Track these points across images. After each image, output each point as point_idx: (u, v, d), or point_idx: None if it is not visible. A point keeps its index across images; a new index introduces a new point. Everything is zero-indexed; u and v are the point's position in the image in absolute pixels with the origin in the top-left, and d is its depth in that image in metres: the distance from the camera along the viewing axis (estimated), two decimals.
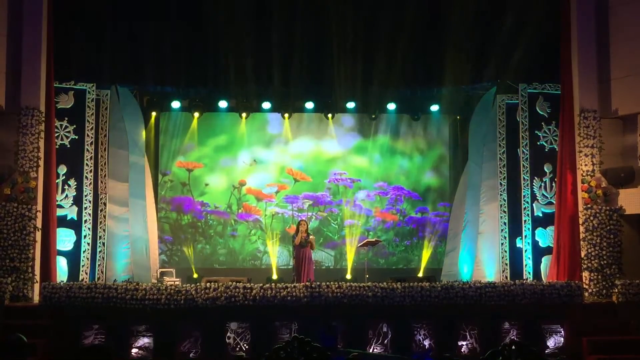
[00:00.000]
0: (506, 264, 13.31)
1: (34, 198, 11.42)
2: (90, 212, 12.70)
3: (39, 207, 11.49)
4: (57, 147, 12.19)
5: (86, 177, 12.68)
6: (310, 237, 12.90)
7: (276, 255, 14.73)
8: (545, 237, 12.82)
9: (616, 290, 11.24)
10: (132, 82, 13.41)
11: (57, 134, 12.31)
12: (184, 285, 10.72)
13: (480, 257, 13.72)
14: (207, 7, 12.48)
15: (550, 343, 10.59)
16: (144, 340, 10.24)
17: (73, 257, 12.44)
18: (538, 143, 12.98)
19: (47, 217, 11.62)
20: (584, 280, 11.54)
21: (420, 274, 14.41)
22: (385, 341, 10.44)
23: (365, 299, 10.44)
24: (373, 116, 14.74)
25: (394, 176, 15.17)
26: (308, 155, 15.13)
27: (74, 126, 12.63)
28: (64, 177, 12.50)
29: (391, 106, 14.63)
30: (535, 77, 12.98)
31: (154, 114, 14.51)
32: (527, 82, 13.02)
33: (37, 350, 9.41)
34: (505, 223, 13.43)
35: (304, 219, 13.19)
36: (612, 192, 11.93)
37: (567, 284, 10.93)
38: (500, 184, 13.52)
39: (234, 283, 10.59)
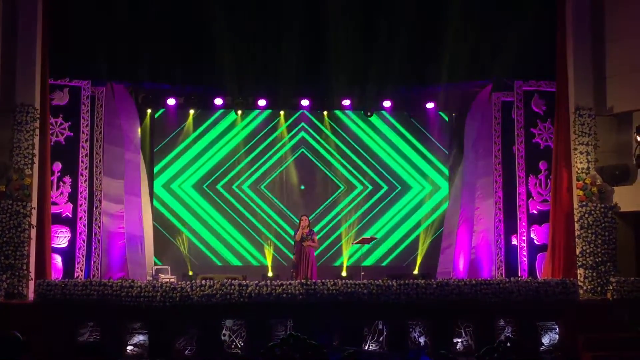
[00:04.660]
0: (501, 261, 13.33)
1: (29, 195, 11.38)
2: (86, 209, 12.66)
3: (34, 204, 11.44)
4: (52, 144, 12.13)
5: (81, 174, 12.63)
6: (313, 233, 12.87)
7: (272, 252, 14.77)
8: (541, 234, 12.83)
9: (611, 288, 11.28)
10: (127, 79, 13.38)
11: (52, 131, 12.26)
12: (179, 283, 10.72)
13: (476, 255, 13.74)
14: (203, 3, 12.45)
15: (545, 340, 10.60)
16: (139, 338, 10.22)
17: (68, 254, 12.39)
18: (533, 140, 12.98)
19: (42, 214, 11.58)
20: (578, 278, 11.55)
21: (415, 271, 14.44)
22: (381, 338, 10.45)
23: (361, 296, 10.44)
24: (368, 113, 14.73)
25: None
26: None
27: (69, 123, 12.57)
28: (59, 174, 12.46)
29: (387, 103, 14.65)
30: (530, 74, 12.97)
31: (149, 111, 14.51)
32: (523, 80, 13.02)
33: (32, 347, 9.35)
34: (500, 220, 13.43)
35: (305, 214, 13.16)
36: (607, 189, 11.95)
37: (562, 282, 10.95)
38: (496, 181, 13.53)
39: (229, 280, 10.59)
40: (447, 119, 15.24)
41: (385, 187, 15.11)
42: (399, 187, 15.14)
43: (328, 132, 15.08)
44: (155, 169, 14.74)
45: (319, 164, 15.12)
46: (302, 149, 15.12)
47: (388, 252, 15.06)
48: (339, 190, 15.06)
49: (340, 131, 15.15)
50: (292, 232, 13.49)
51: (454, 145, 14.97)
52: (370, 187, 15.11)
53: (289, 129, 15.07)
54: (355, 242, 13.47)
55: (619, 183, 11.95)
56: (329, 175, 15.09)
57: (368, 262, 14.70)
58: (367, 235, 14.09)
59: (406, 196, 15.14)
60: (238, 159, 14.93)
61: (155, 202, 14.59)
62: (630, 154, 11.85)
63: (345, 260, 14.66)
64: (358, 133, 15.18)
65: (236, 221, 14.87)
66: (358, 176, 15.11)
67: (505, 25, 12.45)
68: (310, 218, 13.60)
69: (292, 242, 13.18)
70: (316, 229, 14.19)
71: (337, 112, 15.07)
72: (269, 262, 14.61)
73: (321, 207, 14.98)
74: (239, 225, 14.87)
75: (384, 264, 14.94)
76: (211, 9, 12.42)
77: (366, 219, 15.01)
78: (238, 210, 14.90)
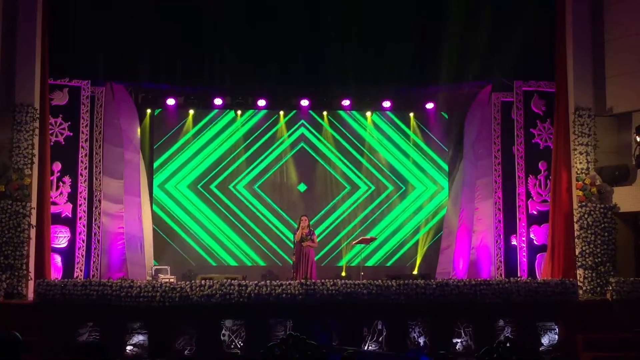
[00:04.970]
0: (501, 262, 13.33)
1: (29, 195, 11.38)
2: (85, 209, 12.66)
3: (34, 204, 11.45)
4: (51, 144, 12.14)
5: (81, 174, 12.63)
6: (312, 233, 12.87)
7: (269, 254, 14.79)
8: (540, 234, 12.83)
9: (610, 288, 11.30)
10: (127, 79, 13.38)
11: (51, 131, 12.26)
12: (178, 283, 10.72)
13: (475, 255, 13.74)
14: (202, 4, 12.46)
15: (545, 340, 10.61)
16: (139, 338, 10.22)
17: (67, 254, 12.40)
18: (533, 141, 12.98)
19: (41, 214, 11.58)
20: (578, 278, 11.55)
21: (415, 272, 14.43)
22: (380, 338, 10.45)
23: (360, 297, 10.44)
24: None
25: None
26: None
27: (69, 123, 12.58)
28: (58, 174, 12.46)
29: (386, 104, 14.66)
30: (530, 75, 12.98)
31: (148, 111, 14.52)
32: (523, 80, 13.02)
33: (32, 347, 9.38)
34: (500, 221, 13.43)
35: (305, 214, 13.16)
36: (606, 190, 11.95)
37: (562, 282, 10.96)
38: (495, 181, 13.53)
39: (229, 280, 10.59)
40: (446, 119, 15.22)
41: (391, 188, 15.07)
42: (403, 188, 15.10)
43: (327, 127, 15.02)
44: (155, 170, 14.71)
45: (321, 161, 15.05)
46: (302, 144, 15.06)
47: (392, 253, 15.02)
48: (344, 191, 15.01)
49: (340, 127, 15.11)
50: (291, 236, 13.47)
51: (454, 145, 14.97)
52: (373, 188, 15.08)
53: (289, 127, 15.03)
54: (355, 242, 13.45)
55: (618, 183, 11.96)
56: (331, 171, 15.02)
57: (370, 263, 14.69)
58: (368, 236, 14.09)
59: (409, 197, 15.10)
60: (238, 159, 14.91)
61: (154, 202, 14.58)
62: (629, 154, 11.86)
63: (347, 262, 14.63)
64: (359, 132, 15.15)
65: (234, 221, 14.84)
66: (361, 176, 15.07)
67: (505, 25, 12.46)
68: (312, 222, 13.59)
69: (292, 245, 13.16)
70: (318, 230, 14.20)
71: (337, 111, 15.06)
72: (266, 264, 14.62)
73: (326, 208, 14.93)
74: (237, 225, 14.84)
75: (388, 264, 14.91)
76: (211, 9, 12.43)
77: (369, 220, 14.96)
78: (237, 210, 14.88)
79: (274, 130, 15.00)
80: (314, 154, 15.09)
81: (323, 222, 14.89)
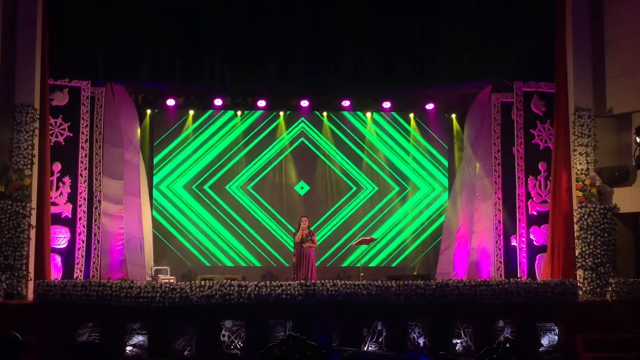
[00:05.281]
0: (501, 262, 13.32)
1: (29, 195, 11.38)
2: (85, 209, 12.65)
3: (34, 204, 11.44)
4: (51, 144, 12.13)
5: (81, 174, 12.62)
6: (312, 233, 12.86)
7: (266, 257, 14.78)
8: (540, 235, 12.83)
9: (610, 289, 11.31)
10: (127, 79, 13.38)
11: (51, 132, 12.26)
12: (178, 283, 10.72)
13: (475, 256, 13.73)
14: (202, 3, 12.46)
15: (545, 341, 10.62)
16: (139, 338, 10.23)
17: (67, 254, 12.39)
18: (533, 142, 12.97)
19: (41, 214, 11.58)
20: (578, 279, 11.56)
21: (414, 273, 14.42)
22: (380, 339, 10.45)
23: (360, 297, 10.45)
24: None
25: None
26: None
27: (69, 124, 12.56)
28: (58, 175, 12.45)
29: (386, 104, 14.65)
30: (530, 75, 12.96)
31: (148, 111, 14.51)
32: (523, 81, 13.02)
33: (31, 348, 9.39)
34: (499, 221, 13.42)
35: (305, 215, 13.15)
36: (606, 190, 11.95)
37: (562, 283, 10.97)
38: (495, 182, 13.52)
39: (228, 281, 10.59)
40: (446, 120, 15.21)
41: (395, 189, 15.01)
42: (408, 188, 15.03)
43: (327, 122, 14.98)
44: (154, 170, 14.70)
45: (322, 157, 14.99)
46: (302, 139, 15.00)
47: (395, 256, 14.96)
48: (348, 193, 14.96)
49: (342, 124, 15.07)
50: (290, 239, 13.44)
51: (454, 146, 14.95)
52: (376, 188, 15.04)
53: (289, 127, 14.99)
54: (355, 243, 13.44)
55: (618, 184, 11.96)
56: (333, 168, 14.97)
57: (373, 264, 14.67)
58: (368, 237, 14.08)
59: (412, 199, 15.03)
60: (239, 160, 14.89)
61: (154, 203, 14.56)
62: (629, 155, 11.86)
63: (349, 263, 14.61)
64: (360, 130, 15.10)
65: (231, 224, 14.80)
66: (363, 176, 15.03)
67: (505, 26, 12.47)
68: (314, 225, 13.56)
69: (291, 248, 13.14)
70: (319, 232, 14.17)
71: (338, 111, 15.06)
72: (262, 264, 14.61)
73: (328, 210, 14.88)
74: (236, 227, 14.81)
75: (393, 265, 14.88)
76: (211, 10, 12.43)
77: (371, 223, 14.90)
78: (236, 211, 14.84)
79: (273, 125, 14.92)
80: (315, 151, 15.03)
81: (324, 223, 14.82)
